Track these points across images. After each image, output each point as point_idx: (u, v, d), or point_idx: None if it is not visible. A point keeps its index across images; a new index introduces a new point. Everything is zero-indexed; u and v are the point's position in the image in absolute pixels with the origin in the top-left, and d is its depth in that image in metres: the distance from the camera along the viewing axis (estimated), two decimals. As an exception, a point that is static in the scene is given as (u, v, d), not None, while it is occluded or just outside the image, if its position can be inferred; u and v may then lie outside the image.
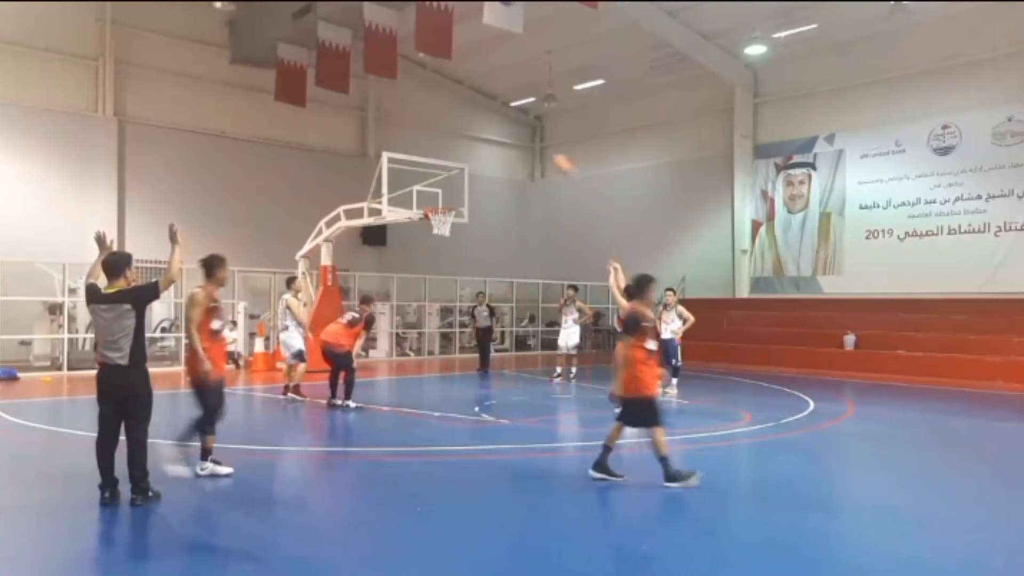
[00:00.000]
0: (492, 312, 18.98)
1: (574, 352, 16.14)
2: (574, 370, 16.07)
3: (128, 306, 6.24)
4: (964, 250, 19.15)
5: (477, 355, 19.19)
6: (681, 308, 14.02)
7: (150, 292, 6.39)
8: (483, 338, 18.80)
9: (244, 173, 22.92)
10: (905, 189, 20.44)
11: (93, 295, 6.40)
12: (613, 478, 7.18)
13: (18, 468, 8.29)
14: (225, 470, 7.33)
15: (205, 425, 7.22)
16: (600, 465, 7.22)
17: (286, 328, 12.93)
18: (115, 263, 6.50)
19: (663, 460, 6.97)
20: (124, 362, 6.22)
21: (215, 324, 7.31)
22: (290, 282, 13.37)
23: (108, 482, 6.31)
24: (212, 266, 7.53)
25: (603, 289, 26.50)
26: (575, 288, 16.92)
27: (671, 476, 6.94)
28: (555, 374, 16.17)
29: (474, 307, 19.16)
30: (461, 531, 5.93)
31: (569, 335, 16.11)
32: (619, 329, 9.95)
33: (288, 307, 12.84)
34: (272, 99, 21.76)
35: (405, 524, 6.04)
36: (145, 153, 21.26)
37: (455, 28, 17.33)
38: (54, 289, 17.88)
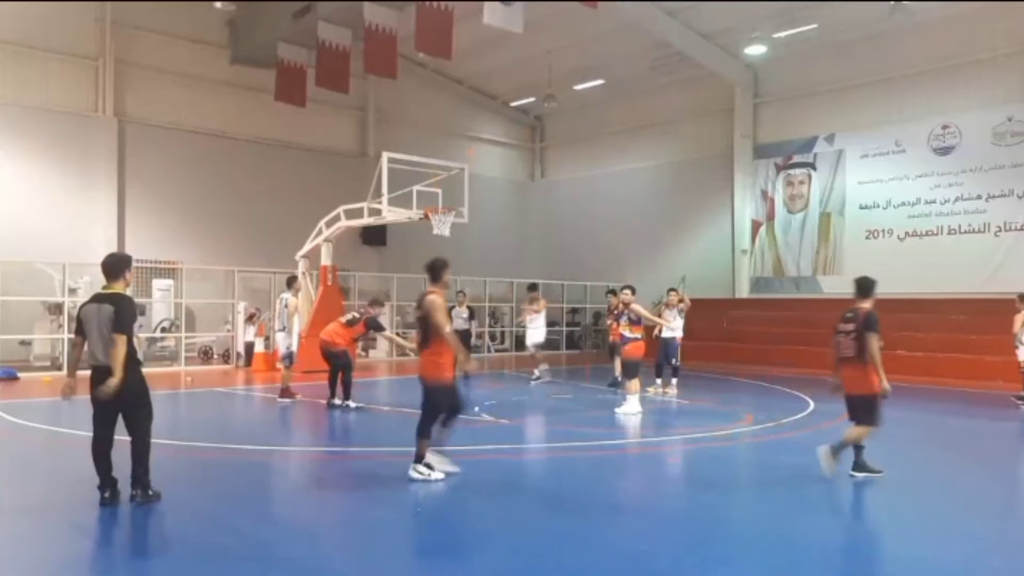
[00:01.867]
0: (473, 315, 17.89)
1: (534, 351, 16.34)
2: (538, 371, 16.13)
3: (113, 308, 6.18)
4: (964, 250, 19.15)
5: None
6: (683, 304, 14.08)
7: (130, 315, 6.26)
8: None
9: (244, 173, 22.92)
10: (905, 189, 20.44)
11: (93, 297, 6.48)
12: (874, 474, 7.40)
13: (18, 468, 8.30)
14: (445, 471, 7.19)
15: (425, 427, 7.15)
16: (860, 465, 7.41)
17: (282, 328, 13.00)
18: (114, 264, 6.47)
19: (858, 449, 7.35)
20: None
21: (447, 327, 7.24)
22: (291, 281, 13.39)
23: (107, 482, 6.30)
24: (438, 270, 7.37)
25: (602, 289, 26.66)
26: (535, 287, 17.24)
27: (860, 465, 7.34)
28: (533, 377, 16.09)
29: (452, 307, 18.10)
30: (461, 531, 5.93)
31: (534, 334, 16.31)
32: None
33: (286, 307, 12.88)
34: (272, 99, 21.76)
35: (405, 524, 6.04)
36: (145, 153, 21.26)
37: (455, 28, 17.33)
38: (54, 289, 17.89)
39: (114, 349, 6.08)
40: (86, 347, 6.35)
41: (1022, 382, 13.27)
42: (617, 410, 11.51)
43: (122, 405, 6.27)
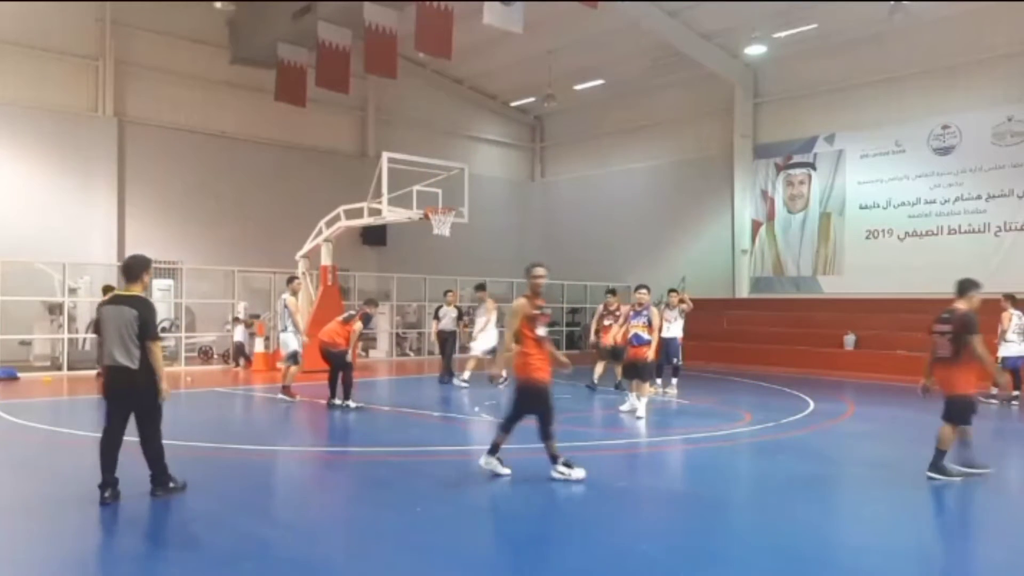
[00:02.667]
0: (461, 315, 16.36)
1: (482, 355, 14.78)
2: (500, 379, 12.74)
3: (136, 312, 6.30)
4: (964, 250, 19.14)
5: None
6: (684, 305, 14.02)
7: (150, 321, 6.38)
8: (444, 342, 16.09)
9: (244, 173, 22.92)
10: (905, 189, 20.45)
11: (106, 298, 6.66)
12: (979, 470, 7.37)
13: (18, 468, 8.29)
14: (578, 474, 7.20)
15: (509, 425, 7.26)
16: (939, 468, 7.33)
17: (285, 328, 12.95)
18: (133, 266, 6.59)
19: (941, 453, 7.26)
20: (134, 365, 6.28)
21: (540, 331, 7.26)
22: (290, 281, 13.39)
23: (108, 481, 6.31)
24: (527, 274, 7.46)
25: (603, 289, 26.66)
26: (482, 287, 15.87)
27: (938, 468, 7.26)
28: (500, 380, 12.58)
29: (439, 307, 16.37)
30: (461, 531, 5.93)
31: (483, 339, 14.98)
32: None
33: (287, 307, 12.86)
34: (272, 99, 21.76)
35: (405, 524, 6.04)
36: (145, 153, 21.26)
37: (455, 28, 17.34)
38: (54, 289, 17.88)
39: (152, 357, 6.32)
40: (103, 346, 6.46)
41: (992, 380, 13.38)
42: (622, 407, 11.47)
43: (137, 405, 6.39)
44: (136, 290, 6.52)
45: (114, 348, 6.28)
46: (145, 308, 6.38)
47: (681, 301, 14.05)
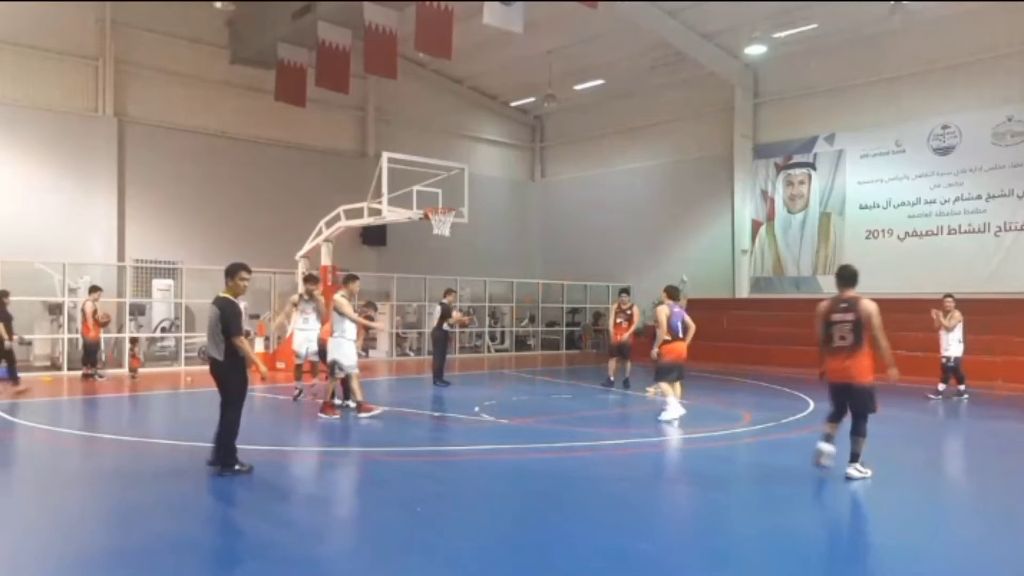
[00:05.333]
0: (446, 314, 15.32)
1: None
2: (301, 385, 12.52)
3: (220, 312, 7.22)
4: (964, 250, 19.15)
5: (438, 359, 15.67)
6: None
7: (231, 319, 7.23)
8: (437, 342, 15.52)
9: (244, 173, 22.92)
10: (905, 189, 20.44)
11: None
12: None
13: (17, 468, 8.29)
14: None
15: (862, 424, 7.45)
16: None
17: (342, 333, 11.01)
18: (227, 270, 7.53)
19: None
20: (220, 357, 7.21)
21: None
22: (348, 281, 11.40)
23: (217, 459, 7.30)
24: (849, 278, 7.67)
25: (602, 289, 26.72)
26: (313, 279, 13.39)
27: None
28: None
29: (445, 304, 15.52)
30: (461, 531, 5.93)
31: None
32: None
33: (336, 308, 11.03)
34: (272, 99, 21.75)
35: (405, 524, 6.04)
36: (145, 153, 21.25)
37: (455, 28, 17.33)
38: (54, 289, 17.89)
39: (238, 349, 7.25)
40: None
41: (941, 376, 13.93)
42: (660, 417, 11.02)
43: (222, 390, 7.33)
44: (227, 292, 7.38)
45: (208, 341, 7.38)
46: (226, 307, 7.24)
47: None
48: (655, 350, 11.41)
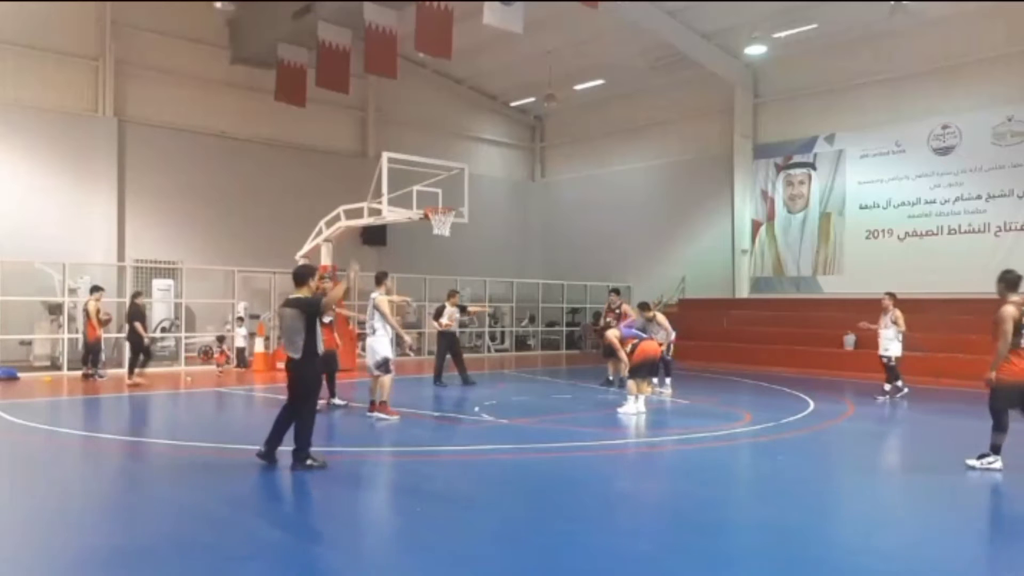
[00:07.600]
0: (438, 314, 15.64)
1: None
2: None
3: (296, 310, 7.48)
4: (964, 250, 19.14)
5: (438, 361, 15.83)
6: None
7: (313, 304, 7.59)
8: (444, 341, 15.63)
9: (244, 173, 22.92)
10: (905, 189, 20.45)
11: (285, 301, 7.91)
12: None
13: (17, 468, 8.29)
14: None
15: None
16: None
17: (373, 331, 10.91)
18: (298, 275, 7.84)
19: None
20: (297, 355, 7.54)
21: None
22: (380, 279, 11.22)
23: (267, 454, 7.70)
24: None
25: (602, 289, 26.69)
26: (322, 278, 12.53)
27: None
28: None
29: (442, 307, 15.71)
30: (461, 531, 5.93)
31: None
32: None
33: (376, 307, 10.79)
34: (272, 99, 21.74)
35: (405, 524, 6.04)
36: (145, 153, 21.25)
37: (455, 28, 17.33)
38: (54, 289, 17.89)
39: (322, 327, 7.77)
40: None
41: (886, 376, 13.84)
42: (619, 409, 11.53)
43: (297, 387, 7.63)
44: (302, 293, 7.65)
45: (285, 342, 7.73)
46: (302, 303, 7.54)
47: (657, 304, 14.29)
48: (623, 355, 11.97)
